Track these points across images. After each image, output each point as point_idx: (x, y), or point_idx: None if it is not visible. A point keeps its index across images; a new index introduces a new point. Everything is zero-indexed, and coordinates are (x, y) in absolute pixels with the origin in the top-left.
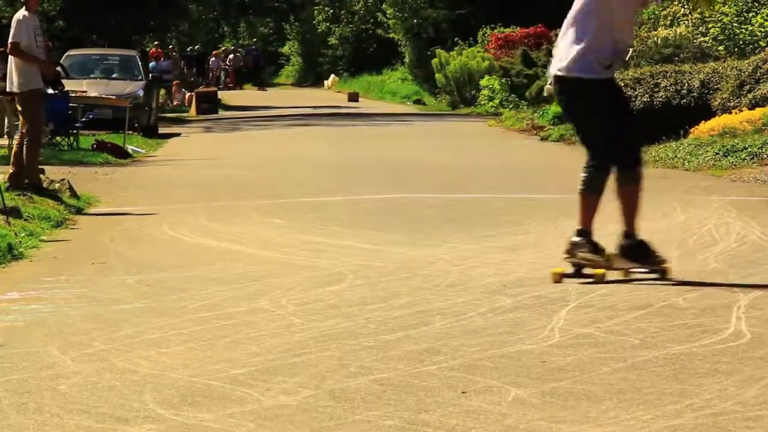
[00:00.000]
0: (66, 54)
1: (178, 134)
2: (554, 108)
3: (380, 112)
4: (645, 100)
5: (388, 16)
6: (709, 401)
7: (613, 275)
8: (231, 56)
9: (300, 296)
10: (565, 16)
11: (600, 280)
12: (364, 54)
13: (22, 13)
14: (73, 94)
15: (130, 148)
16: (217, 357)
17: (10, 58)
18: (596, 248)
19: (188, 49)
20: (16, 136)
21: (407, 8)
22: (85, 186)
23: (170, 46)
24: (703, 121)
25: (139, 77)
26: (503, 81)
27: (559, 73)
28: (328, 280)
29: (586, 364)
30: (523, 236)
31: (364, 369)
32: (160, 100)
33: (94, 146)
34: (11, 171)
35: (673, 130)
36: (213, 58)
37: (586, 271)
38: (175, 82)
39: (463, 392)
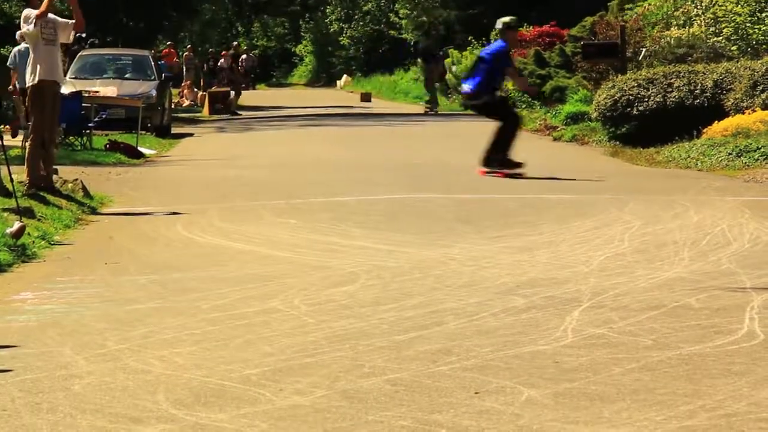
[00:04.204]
0: (79, 54)
1: (191, 134)
2: (567, 108)
3: (393, 112)
4: (658, 100)
5: (400, 16)
6: (723, 402)
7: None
8: (243, 56)
9: (313, 296)
10: (578, 15)
11: None
12: (376, 54)
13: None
14: (86, 94)
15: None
16: (230, 357)
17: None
18: None
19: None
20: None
21: (419, 7)
22: (98, 186)
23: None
24: (716, 122)
25: (152, 77)
26: None
27: None
28: (341, 280)
29: (599, 364)
30: (535, 236)
31: (377, 369)
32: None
33: (107, 146)
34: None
35: (686, 131)
36: (222, 59)
37: None
38: (187, 81)
39: (476, 393)
